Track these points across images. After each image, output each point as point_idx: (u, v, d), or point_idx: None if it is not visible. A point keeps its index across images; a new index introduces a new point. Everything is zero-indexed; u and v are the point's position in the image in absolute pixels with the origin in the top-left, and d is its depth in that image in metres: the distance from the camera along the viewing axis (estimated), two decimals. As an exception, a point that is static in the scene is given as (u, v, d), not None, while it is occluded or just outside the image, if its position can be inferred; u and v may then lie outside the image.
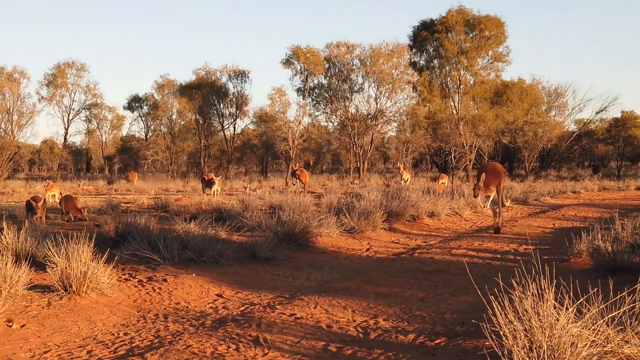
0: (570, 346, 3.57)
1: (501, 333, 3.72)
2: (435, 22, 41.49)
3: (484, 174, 11.35)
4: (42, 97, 48.90)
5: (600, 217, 14.02)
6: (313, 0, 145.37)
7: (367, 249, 10.08)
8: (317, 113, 44.30)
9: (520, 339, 3.65)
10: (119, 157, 59.08)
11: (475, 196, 11.52)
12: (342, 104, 42.19)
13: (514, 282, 4.00)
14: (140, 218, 9.30)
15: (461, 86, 41.23)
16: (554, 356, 3.57)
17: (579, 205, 18.83)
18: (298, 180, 27.14)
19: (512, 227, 13.10)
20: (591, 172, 45.42)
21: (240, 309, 6.01)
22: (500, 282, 4.12)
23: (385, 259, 9.22)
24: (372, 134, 42.03)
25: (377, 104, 41.74)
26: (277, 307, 6.01)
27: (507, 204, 13.57)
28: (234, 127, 49.71)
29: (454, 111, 41.58)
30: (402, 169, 30.73)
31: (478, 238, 11.40)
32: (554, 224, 14.01)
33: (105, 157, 59.28)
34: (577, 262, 8.12)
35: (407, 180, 29.14)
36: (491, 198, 11.76)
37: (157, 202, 16.20)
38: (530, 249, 9.82)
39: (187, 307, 6.10)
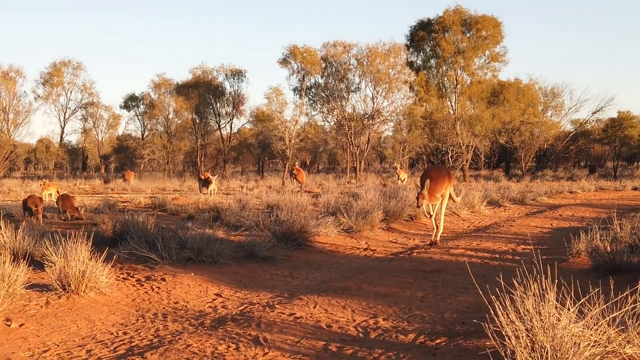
0: (573, 346, 3.56)
1: (503, 333, 3.72)
2: (432, 21, 41.47)
3: (428, 180, 10.10)
4: (38, 96, 48.68)
5: (597, 217, 14.06)
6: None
7: (365, 249, 10.07)
8: (313, 112, 44.20)
9: (522, 339, 3.64)
10: (115, 156, 58.86)
11: (418, 206, 10.26)
12: (339, 103, 42.11)
13: (515, 282, 3.99)
14: (137, 217, 9.27)
15: (458, 86, 41.21)
16: (556, 356, 3.56)
17: (576, 205, 18.86)
18: (295, 180, 27.14)
19: (509, 227, 13.12)
20: (587, 172, 45.42)
21: (240, 308, 5.99)
22: (502, 281, 4.11)
23: (384, 258, 9.21)
24: (369, 134, 41.94)
25: (373, 103, 41.65)
26: (277, 306, 6.00)
27: (459, 199, 12.14)
28: (231, 127, 49.60)
29: (451, 111, 41.56)
30: (399, 168, 30.72)
31: (476, 238, 11.40)
32: (551, 224, 14.02)
33: (102, 156, 59.08)
34: (576, 262, 8.12)
35: (404, 179, 29.13)
36: (441, 205, 10.63)
37: (154, 202, 16.16)
38: (528, 249, 9.83)
39: (186, 306, 6.08)
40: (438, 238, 10.43)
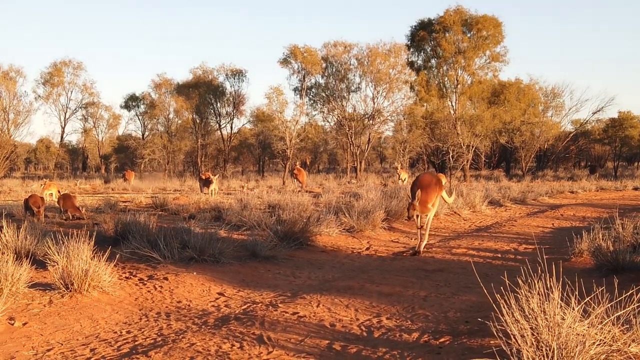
0: (578, 345, 3.56)
1: (508, 331, 3.71)
2: (433, 21, 41.44)
3: (419, 190, 9.45)
4: (39, 96, 48.72)
5: (599, 217, 14.05)
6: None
7: (367, 248, 10.07)
8: (314, 112, 44.22)
9: (528, 338, 3.63)
10: (115, 156, 58.88)
11: (409, 217, 9.66)
12: (339, 103, 42.11)
13: (520, 280, 3.99)
14: (139, 216, 9.27)
15: (458, 86, 41.19)
16: (562, 355, 3.56)
17: (577, 205, 18.85)
18: (295, 180, 27.15)
19: (511, 227, 13.11)
20: (588, 173, 45.42)
21: (243, 307, 5.99)
22: (507, 280, 4.10)
23: (386, 257, 9.21)
24: (369, 134, 41.96)
25: (374, 103, 41.68)
26: (280, 305, 5.99)
27: (451, 199, 11.51)
28: (231, 127, 49.62)
29: (452, 111, 41.56)
30: (399, 168, 30.74)
31: (477, 237, 11.40)
32: (553, 224, 14.02)
33: (102, 156, 59.05)
34: (578, 262, 8.12)
35: (405, 179, 29.14)
36: (429, 216, 9.96)
37: (154, 201, 16.16)
38: (530, 248, 9.84)
39: (189, 305, 6.07)
40: (422, 248, 9.69)
